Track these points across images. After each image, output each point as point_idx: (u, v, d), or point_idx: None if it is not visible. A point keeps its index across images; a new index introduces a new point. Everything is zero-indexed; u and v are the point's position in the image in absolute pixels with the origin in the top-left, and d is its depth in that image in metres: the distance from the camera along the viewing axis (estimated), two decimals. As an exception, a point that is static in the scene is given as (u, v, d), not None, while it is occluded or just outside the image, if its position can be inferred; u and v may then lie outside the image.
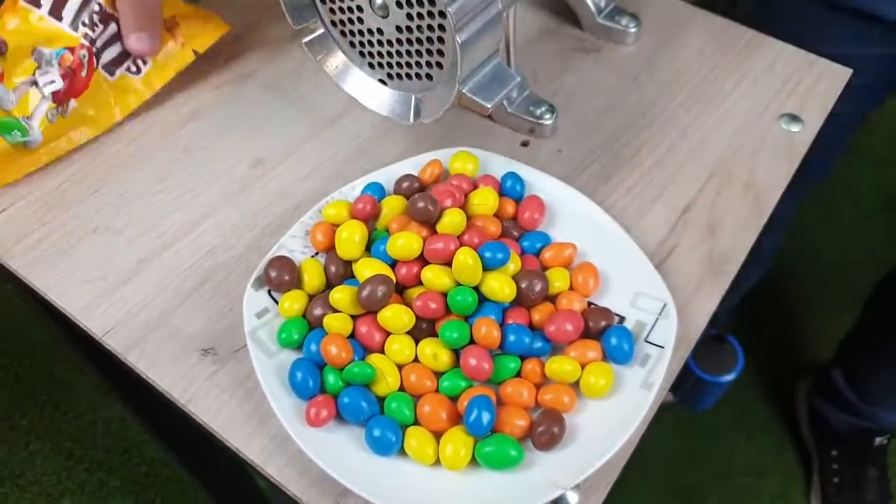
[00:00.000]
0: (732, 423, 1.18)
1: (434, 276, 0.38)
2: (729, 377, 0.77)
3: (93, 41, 0.45)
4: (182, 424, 0.73)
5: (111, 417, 1.22)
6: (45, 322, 0.54)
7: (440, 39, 0.39)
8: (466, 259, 0.37)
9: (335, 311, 0.38)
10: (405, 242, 0.38)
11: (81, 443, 1.20)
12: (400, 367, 0.37)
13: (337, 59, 0.46)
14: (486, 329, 0.36)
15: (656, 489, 1.14)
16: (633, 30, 0.53)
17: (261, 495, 1.05)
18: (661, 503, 1.13)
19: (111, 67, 0.47)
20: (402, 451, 0.35)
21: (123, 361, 0.41)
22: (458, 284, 0.38)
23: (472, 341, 0.37)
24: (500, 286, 0.38)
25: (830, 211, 1.37)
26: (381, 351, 0.37)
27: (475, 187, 0.43)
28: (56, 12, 0.44)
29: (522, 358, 0.37)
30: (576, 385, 0.37)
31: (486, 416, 0.34)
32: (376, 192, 0.43)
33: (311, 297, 0.39)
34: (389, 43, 0.42)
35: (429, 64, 0.41)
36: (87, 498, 1.15)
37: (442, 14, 0.37)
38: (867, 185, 1.44)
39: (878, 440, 1.06)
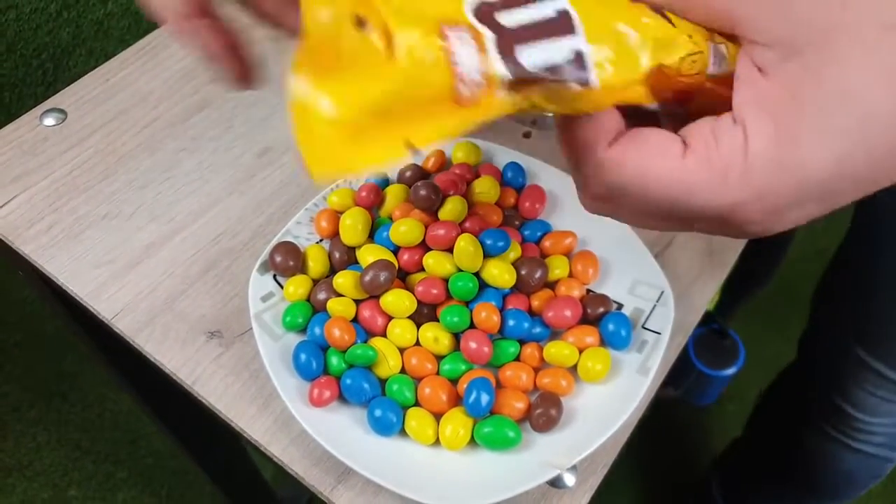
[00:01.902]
0: (737, 420, 1.18)
1: (435, 262, 0.38)
2: (730, 371, 0.77)
3: None
4: (188, 414, 0.74)
5: (118, 409, 1.23)
6: (54, 309, 0.55)
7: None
8: (467, 246, 0.38)
9: (339, 295, 0.39)
10: (407, 229, 0.39)
11: (89, 434, 1.21)
12: (401, 350, 0.37)
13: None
14: (486, 314, 0.37)
15: (659, 484, 1.15)
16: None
17: (266, 486, 1.05)
18: (664, 499, 1.13)
19: None
20: (402, 432, 0.36)
21: (131, 345, 0.42)
22: (459, 270, 0.38)
23: (472, 326, 0.38)
24: (501, 272, 0.38)
25: (837, 211, 1.36)
26: (383, 334, 0.38)
27: (477, 176, 0.43)
28: None
29: (521, 342, 0.38)
30: (573, 369, 0.37)
31: (485, 398, 0.35)
32: (379, 180, 0.44)
33: (315, 282, 0.40)
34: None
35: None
36: (94, 489, 1.16)
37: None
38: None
39: None
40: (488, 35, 0.20)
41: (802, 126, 0.19)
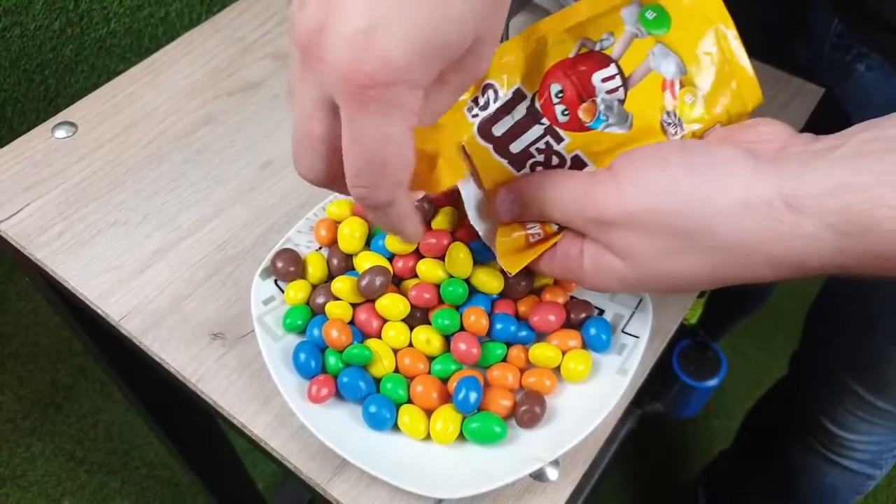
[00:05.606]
0: (722, 434, 1.21)
1: (428, 269, 0.41)
2: (712, 382, 0.80)
3: None
4: (185, 422, 0.75)
5: (112, 420, 1.24)
6: (61, 314, 0.56)
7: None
8: (458, 253, 0.40)
9: (336, 299, 0.41)
10: (402, 237, 0.41)
11: (82, 444, 1.22)
12: (395, 350, 0.40)
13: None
14: (476, 317, 0.39)
15: (647, 495, 1.16)
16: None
17: (259, 497, 1.07)
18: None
19: None
20: (395, 427, 0.38)
21: (134, 352, 0.44)
22: (451, 277, 0.41)
23: (462, 328, 0.40)
24: (489, 279, 0.41)
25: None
26: (378, 336, 0.40)
27: (468, 189, 0.46)
28: None
29: (508, 344, 0.40)
30: (557, 370, 0.40)
31: (473, 396, 0.37)
32: (376, 192, 0.46)
33: (314, 287, 0.42)
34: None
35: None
36: (87, 499, 1.17)
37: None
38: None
39: None
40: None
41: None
